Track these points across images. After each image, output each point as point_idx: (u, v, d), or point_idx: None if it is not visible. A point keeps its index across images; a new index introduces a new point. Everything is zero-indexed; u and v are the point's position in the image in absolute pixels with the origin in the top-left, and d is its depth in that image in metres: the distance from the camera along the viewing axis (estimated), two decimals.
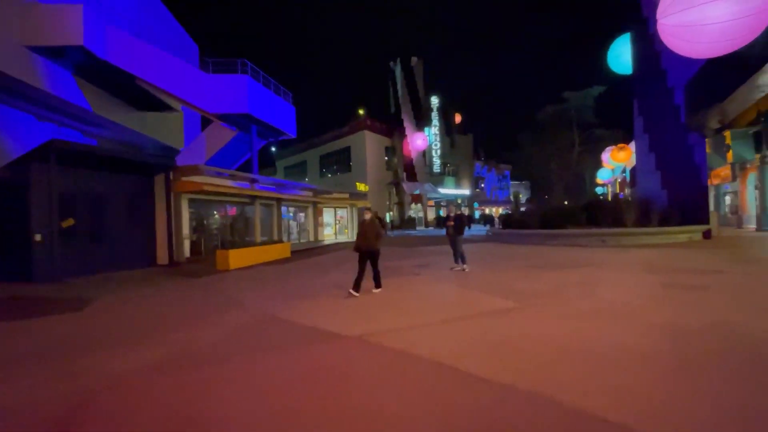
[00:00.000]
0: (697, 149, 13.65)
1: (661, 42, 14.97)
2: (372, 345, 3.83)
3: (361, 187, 24.44)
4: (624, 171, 33.39)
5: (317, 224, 19.78)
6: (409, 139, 37.51)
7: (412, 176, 37.70)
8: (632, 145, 25.07)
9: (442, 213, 44.59)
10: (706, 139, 13.61)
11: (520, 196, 56.10)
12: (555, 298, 5.39)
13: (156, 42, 14.93)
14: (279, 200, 16.54)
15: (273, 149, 48.92)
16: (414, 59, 38.24)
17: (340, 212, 23.12)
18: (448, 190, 42.89)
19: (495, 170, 58.15)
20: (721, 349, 3.22)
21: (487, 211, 51.67)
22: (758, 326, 3.73)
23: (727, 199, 19.83)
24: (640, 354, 3.20)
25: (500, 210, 48.99)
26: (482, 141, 60.27)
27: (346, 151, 37.55)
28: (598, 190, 37.45)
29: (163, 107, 16.14)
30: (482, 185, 55.63)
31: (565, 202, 17.61)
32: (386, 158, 38.26)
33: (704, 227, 13.02)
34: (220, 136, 16.74)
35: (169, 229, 12.72)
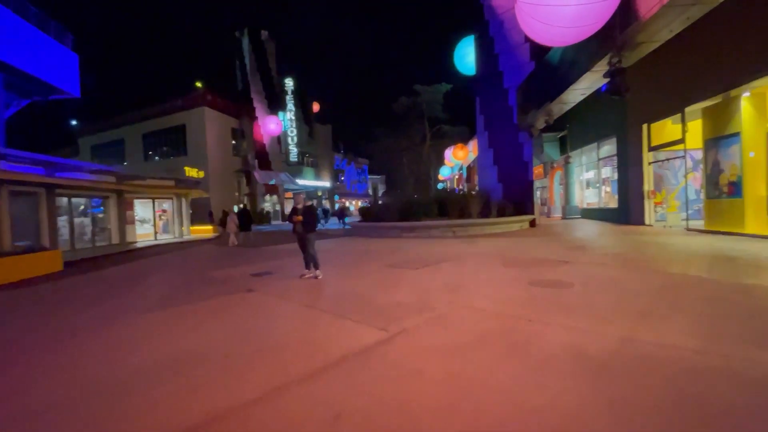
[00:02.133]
0: (525, 147, 15.31)
1: (500, 44, 16.41)
2: None
3: (192, 172, 19.85)
4: (461, 168, 37.68)
5: (124, 221, 14.74)
6: (260, 122, 33.53)
7: (265, 164, 33.91)
8: (470, 144, 28.03)
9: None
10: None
11: (378, 189, 58.36)
12: (426, 316, 4.05)
13: None
14: (51, 187, 11.29)
15: (74, 122, 37.21)
16: (264, 33, 34.22)
17: (165, 204, 18.19)
18: (307, 182, 40.58)
19: (354, 164, 58.78)
20: (654, 390, 2.24)
21: (347, 203, 51.67)
22: (668, 343, 3.03)
23: (539, 192, 23.91)
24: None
25: (359, 203, 49.61)
26: (342, 133, 59.95)
27: (180, 130, 31.03)
28: (439, 185, 41.39)
29: None
30: (342, 178, 55.42)
31: (415, 196, 17.97)
32: (234, 142, 33.34)
33: (531, 217, 14.71)
34: None
35: None
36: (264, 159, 33.83)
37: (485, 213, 13.92)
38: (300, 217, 6.54)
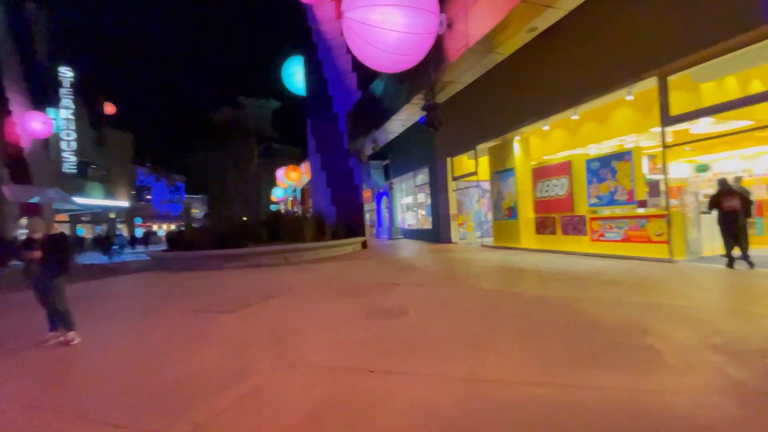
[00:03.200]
0: (356, 171, 15.76)
1: (328, 69, 16.61)
2: None
3: None
4: (295, 190, 36.79)
5: None
6: (17, 119, 24.26)
7: (23, 176, 24.54)
8: (303, 166, 27.61)
9: (102, 231, 32.00)
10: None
11: (195, 210, 50.49)
12: (236, 391, 2.88)
13: None
14: None
15: None
16: (30, 4, 25.38)
17: None
18: (92, 200, 31.47)
19: (166, 180, 49.52)
20: None
21: (154, 227, 42.78)
22: (509, 378, 2.86)
23: (368, 215, 25.34)
24: None
25: (173, 226, 41.77)
26: (150, 143, 49.65)
27: None
28: (273, 207, 39.35)
29: None
30: (149, 197, 45.75)
31: (244, 218, 15.96)
32: None
33: (363, 239, 15.06)
34: None
35: None
36: (21, 168, 24.44)
37: (320, 236, 13.43)
38: (38, 253, 4.22)
